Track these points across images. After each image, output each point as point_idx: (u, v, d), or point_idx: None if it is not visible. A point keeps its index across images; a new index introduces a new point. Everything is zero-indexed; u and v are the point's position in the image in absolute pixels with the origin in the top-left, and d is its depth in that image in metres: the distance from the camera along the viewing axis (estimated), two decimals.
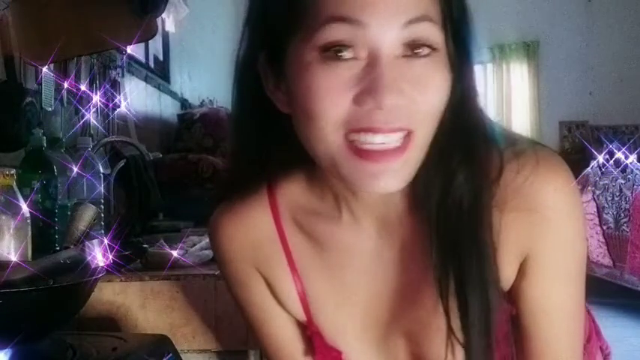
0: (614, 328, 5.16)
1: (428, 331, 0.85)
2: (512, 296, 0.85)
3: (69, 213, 1.50)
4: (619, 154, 5.42)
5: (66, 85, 1.97)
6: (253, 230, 0.90)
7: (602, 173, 5.47)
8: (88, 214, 1.42)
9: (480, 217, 0.79)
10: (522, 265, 0.83)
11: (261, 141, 0.86)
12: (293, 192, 0.89)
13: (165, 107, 3.53)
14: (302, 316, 0.91)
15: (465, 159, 0.79)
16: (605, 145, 6.21)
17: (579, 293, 0.86)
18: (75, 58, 2.01)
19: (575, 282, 0.84)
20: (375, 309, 0.88)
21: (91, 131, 2.27)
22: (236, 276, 0.93)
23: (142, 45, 3.19)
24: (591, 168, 5.65)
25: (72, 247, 1.36)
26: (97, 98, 2.32)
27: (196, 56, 4.54)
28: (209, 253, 1.50)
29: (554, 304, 0.84)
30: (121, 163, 2.19)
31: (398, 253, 0.86)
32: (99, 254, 1.20)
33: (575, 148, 7.80)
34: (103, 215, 1.72)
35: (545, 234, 0.81)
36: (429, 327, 0.84)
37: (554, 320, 0.84)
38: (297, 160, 0.84)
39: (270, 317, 0.93)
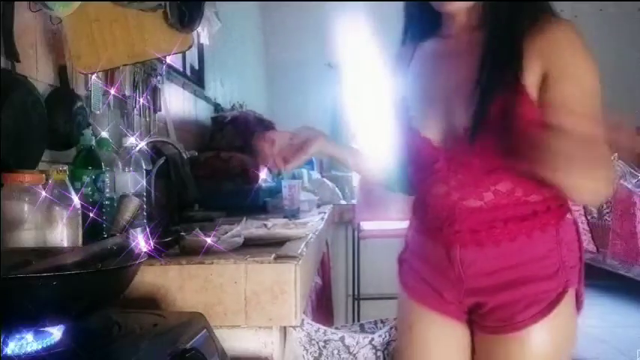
0: (597, 306, 5.11)
1: (463, 103, 1.17)
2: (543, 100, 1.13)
3: (115, 205, 1.49)
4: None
5: (112, 91, 1.97)
6: None
7: None
8: (132, 206, 1.42)
9: (516, 33, 1.14)
10: (544, 79, 1.12)
11: None
12: None
13: (200, 111, 3.52)
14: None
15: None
16: None
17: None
18: (120, 67, 2.00)
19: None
20: (444, 92, 1.23)
21: (135, 132, 2.27)
22: None
23: (179, 55, 3.18)
24: None
25: (118, 234, 1.36)
26: (140, 102, 2.31)
27: (227, 65, 4.53)
28: (239, 240, 1.48)
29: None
30: (161, 160, 2.19)
31: (464, 57, 1.22)
32: (141, 241, 1.20)
33: None
34: (145, 207, 1.71)
35: (564, 51, 1.13)
36: (467, 100, 1.16)
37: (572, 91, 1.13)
38: None
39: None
